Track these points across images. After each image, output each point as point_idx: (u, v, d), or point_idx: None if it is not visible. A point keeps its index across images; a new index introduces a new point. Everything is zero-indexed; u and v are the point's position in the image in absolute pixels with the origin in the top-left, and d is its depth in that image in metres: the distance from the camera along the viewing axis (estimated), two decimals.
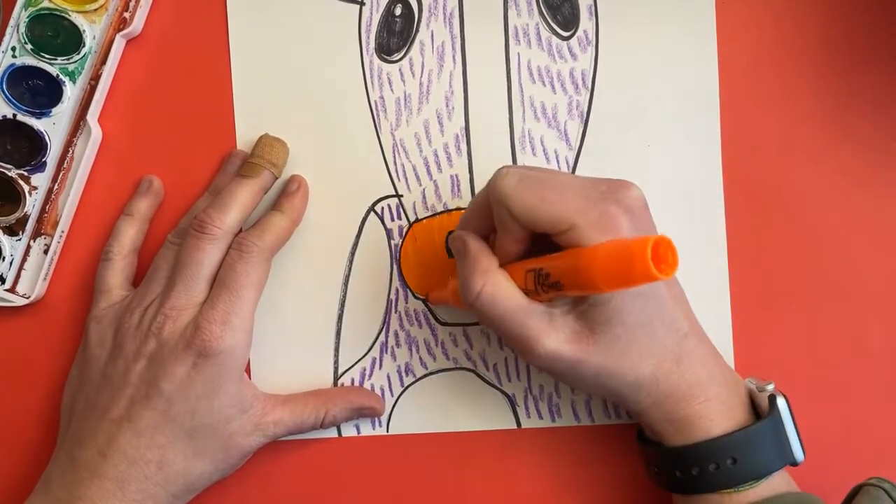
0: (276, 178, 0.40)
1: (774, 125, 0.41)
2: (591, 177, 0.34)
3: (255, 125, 0.41)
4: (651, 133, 0.41)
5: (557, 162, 0.41)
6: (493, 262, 0.35)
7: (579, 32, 0.41)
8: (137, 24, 0.41)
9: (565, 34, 0.41)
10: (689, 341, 0.35)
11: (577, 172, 0.41)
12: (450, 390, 0.42)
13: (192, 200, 0.42)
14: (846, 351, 0.41)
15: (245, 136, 0.41)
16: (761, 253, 0.41)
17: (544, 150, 0.41)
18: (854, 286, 0.41)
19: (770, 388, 0.35)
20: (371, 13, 0.41)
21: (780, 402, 0.35)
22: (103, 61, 0.40)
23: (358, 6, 0.41)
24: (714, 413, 0.34)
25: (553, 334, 0.33)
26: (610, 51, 0.41)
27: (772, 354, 0.41)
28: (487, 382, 0.42)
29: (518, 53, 0.41)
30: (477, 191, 0.41)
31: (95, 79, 0.40)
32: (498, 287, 0.34)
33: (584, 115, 0.41)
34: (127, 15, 0.40)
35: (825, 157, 0.41)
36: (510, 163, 0.41)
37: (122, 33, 0.40)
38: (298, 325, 0.42)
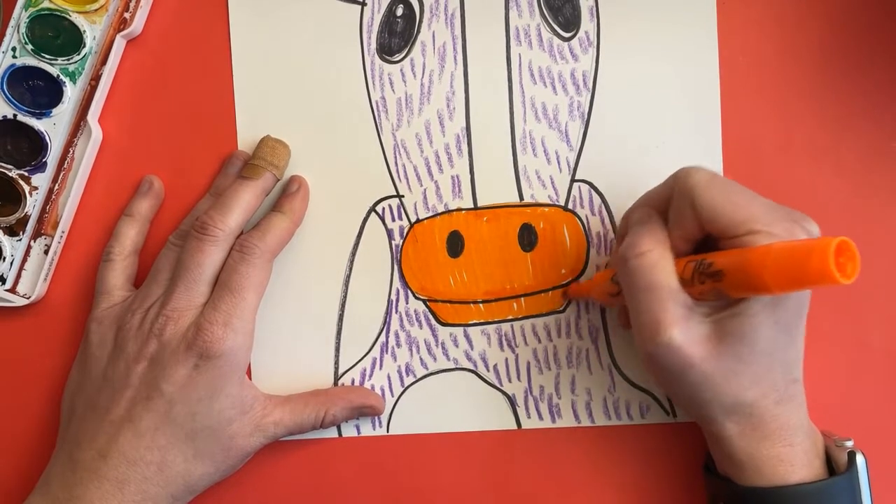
0: (278, 180, 0.40)
1: (775, 124, 0.41)
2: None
3: (256, 125, 0.41)
4: (652, 134, 0.41)
5: (558, 163, 0.41)
6: (667, 239, 0.34)
7: (580, 33, 0.41)
8: (138, 25, 0.41)
9: (566, 35, 0.41)
10: (795, 387, 0.34)
11: (577, 174, 0.41)
12: (450, 391, 0.42)
13: (193, 201, 0.42)
14: (846, 351, 0.41)
15: (246, 136, 0.41)
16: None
17: (545, 151, 0.41)
18: (854, 286, 0.41)
19: (849, 444, 0.35)
20: (372, 13, 0.41)
21: (860, 460, 0.34)
22: (104, 62, 0.40)
23: (359, 6, 0.41)
24: (795, 459, 0.34)
25: (684, 328, 0.32)
26: (611, 52, 0.41)
27: None
28: (488, 383, 0.42)
29: (519, 54, 0.41)
30: (478, 191, 0.41)
31: (96, 79, 0.40)
32: (662, 258, 0.33)
33: (586, 116, 0.41)
34: (127, 15, 0.40)
35: (825, 157, 0.41)
36: (511, 163, 0.41)
37: (122, 34, 0.40)
38: (299, 325, 0.42)
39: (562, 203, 0.41)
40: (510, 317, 0.41)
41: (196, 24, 0.42)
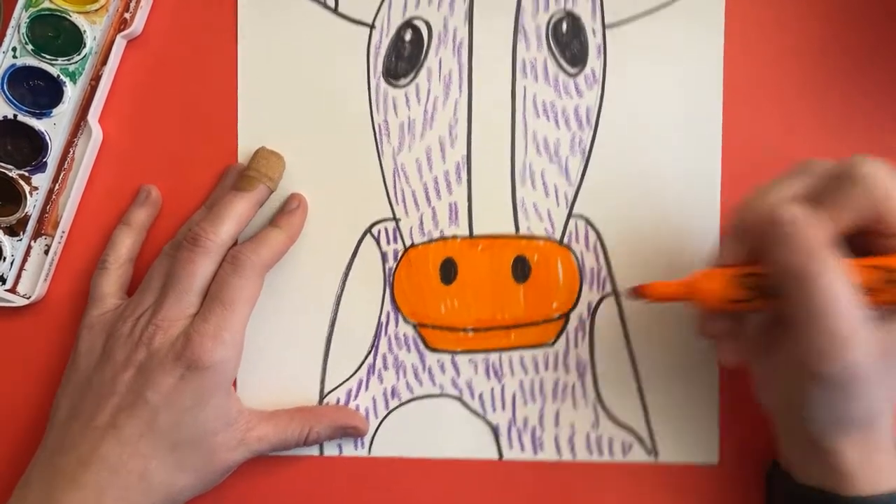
0: (272, 192, 0.40)
1: (775, 124, 0.41)
2: None
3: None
4: (652, 175, 0.41)
5: (556, 197, 0.41)
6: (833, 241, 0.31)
7: (587, 70, 0.41)
8: (138, 25, 0.41)
9: (573, 71, 0.41)
10: None
11: (574, 209, 0.41)
12: (434, 416, 0.42)
13: (193, 201, 0.42)
14: None
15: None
16: None
17: (544, 185, 0.41)
18: None
19: None
20: (381, 37, 0.41)
21: None
22: (104, 62, 0.40)
23: (368, 29, 0.41)
24: None
25: (867, 345, 0.30)
26: (616, 90, 0.41)
27: None
28: (472, 411, 0.42)
29: (524, 87, 0.41)
30: (474, 220, 0.41)
31: (96, 79, 0.40)
32: (840, 266, 0.30)
33: (587, 153, 0.41)
34: (127, 16, 0.40)
35: (825, 157, 0.40)
36: (509, 194, 0.41)
37: (122, 34, 0.40)
38: (288, 342, 0.42)
39: (557, 237, 0.41)
40: (499, 347, 0.42)
41: (196, 25, 0.42)
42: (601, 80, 0.41)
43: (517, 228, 0.41)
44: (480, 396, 0.42)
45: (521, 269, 0.41)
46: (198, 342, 0.37)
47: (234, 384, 0.41)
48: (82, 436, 0.37)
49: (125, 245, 0.41)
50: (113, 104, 0.42)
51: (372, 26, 0.41)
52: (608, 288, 0.41)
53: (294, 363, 0.42)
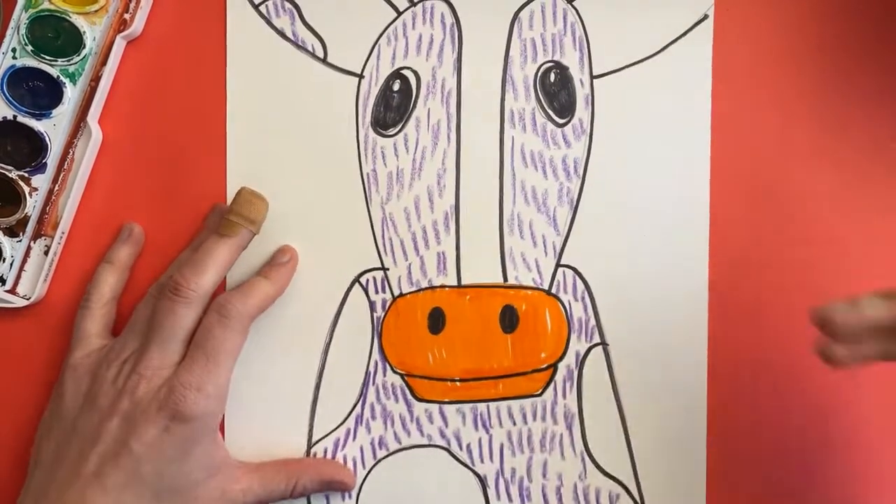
0: (255, 235, 0.40)
1: (774, 124, 0.41)
2: None
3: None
4: (639, 225, 0.41)
5: (545, 246, 0.41)
6: None
7: (574, 120, 0.41)
8: (138, 26, 0.41)
9: (561, 121, 0.41)
10: None
11: (562, 259, 0.41)
12: (422, 467, 0.42)
13: (194, 201, 0.42)
14: None
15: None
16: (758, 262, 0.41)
17: (532, 235, 0.41)
18: (854, 286, 0.41)
19: None
20: (369, 86, 0.42)
21: None
22: (103, 63, 0.40)
23: (357, 78, 0.42)
24: None
25: None
26: (604, 140, 0.41)
27: (769, 353, 0.41)
28: (460, 462, 0.42)
29: (513, 137, 0.41)
30: (463, 270, 0.41)
31: (96, 80, 0.40)
32: None
33: (574, 203, 0.41)
34: (127, 16, 0.40)
35: (825, 157, 0.41)
36: (497, 244, 0.41)
37: (122, 35, 0.40)
38: (275, 392, 0.42)
39: (546, 287, 0.41)
40: (487, 397, 0.41)
41: (196, 25, 0.42)
42: (589, 130, 0.41)
43: (505, 278, 0.41)
44: (468, 447, 0.42)
45: (509, 318, 0.41)
46: (181, 394, 0.36)
47: (223, 431, 0.41)
48: (69, 484, 0.36)
49: (108, 284, 0.41)
50: (113, 105, 0.42)
51: (361, 76, 0.42)
52: (596, 338, 0.41)
53: (282, 412, 0.42)
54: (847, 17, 0.41)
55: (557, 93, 0.41)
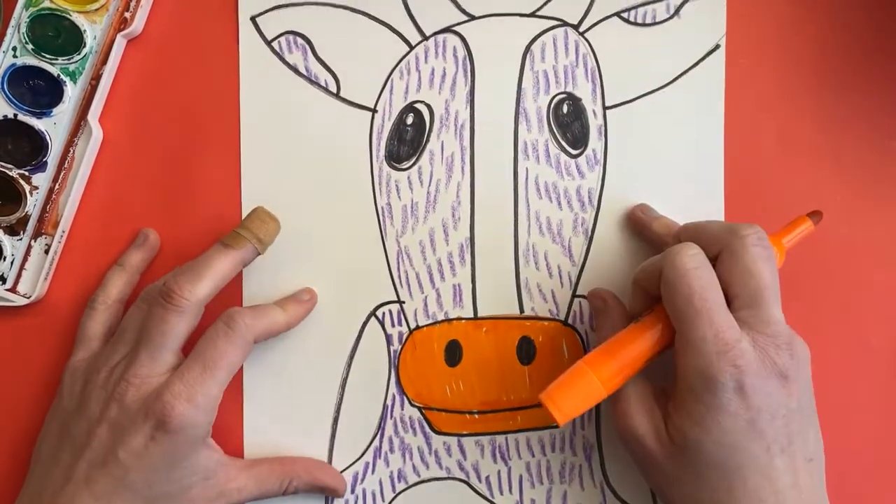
0: (259, 255, 0.39)
1: (775, 124, 0.41)
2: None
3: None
4: (654, 254, 0.41)
5: (560, 277, 0.41)
6: None
7: (588, 151, 0.41)
8: (138, 24, 0.41)
9: (574, 152, 0.42)
10: None
11: (578, 289, 0.41)
12: (441, 500, 0.41)
13: (193, 202, 0.42)
14: (846, 351, 0.41)
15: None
16: None
17: (547, 265, 0.41)
18: (853, 286, 0.41)
19: None
20: (383, 120, 0.42)
21: None
22: (104, 61, 0.40)
23: (370, 113, 0.42)
24: None
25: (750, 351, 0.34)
26: (617, 170, 0.41)
27: None
28: (479, 494, 0.41)
29: (526, 168, 0.41)
30: (479, 302, 0.41)
31: (96, 79, 0.40)
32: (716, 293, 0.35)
33: (589, 233, 0.41)
34: (128, 15, 0.41)
35: (825, 157, 0.41)
36: (513, 275, 0.41)
37: (122, 33, 0.41)
38: (293, 426, 0.42)
39: (562, 318, 0.41)
40: (505, 429, 0.41)
41: (196, 24, 0.42)
42: (602, 160, 0.41)
43: (521, 309, 0.41)
44: (487, 479, 0.41)
45: (527, 350, 0.41)
46: (169, 404, 0.36)
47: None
48: (60, 488, 0.36)
49: (116, 286, 0.41)
50: (113, 104, 0.42)
51: (374, 110, 0.42)
52: None
53: (300, 446, 0.42)
54: (863, 46, 0.41)
55: (570, 124, 0.42)
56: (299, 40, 0.42)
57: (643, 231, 0.41)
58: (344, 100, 0.42)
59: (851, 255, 0.41)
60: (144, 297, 0.39)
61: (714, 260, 0.35)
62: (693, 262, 0.34)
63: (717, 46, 0.41)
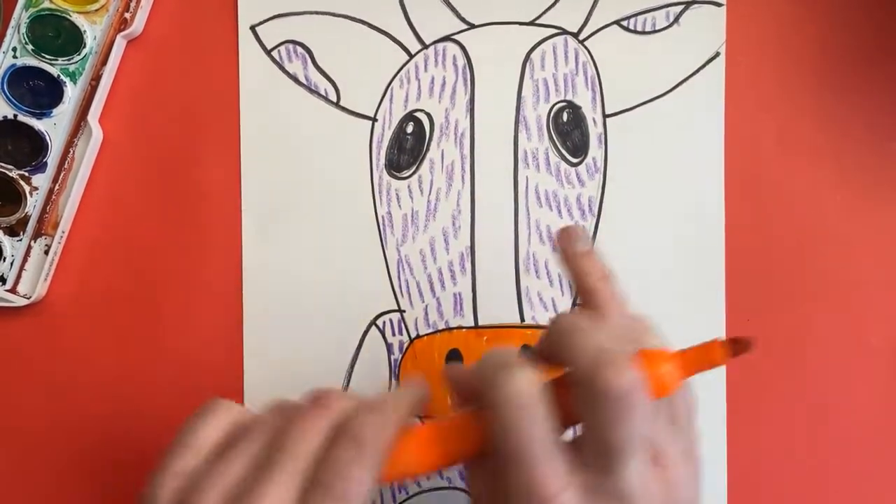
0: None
1: (775, 125, 0.41)
2: None
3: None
4: (655, 262, 0.41)
5: (561, 286, 0.41)
6: None
7: (588, 159, 0.41)
8: (138, 25, 0.41)
9: (574, 160, 0.41)
10: None
11: (578, 298, 0.41)
12: None
13: (194, 202, 0.42)
14: (846, 351, 0.41)
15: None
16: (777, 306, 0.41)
17: (548, 274, 0.41)
18: (854, 286, 0.41)
19: None
20: (383, 129, 0.42)
21: None
22: (104, 62, 0.41)
23: (370, 122, 0.42)
24: None
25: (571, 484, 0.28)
26: (618, 178, 0.41)
27: (770, 354, 0.41)
28: None
29: (527, 177, 0.41)
30: (479, 310, 0.41)
31: (96, 79, 0.41)
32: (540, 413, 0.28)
33: (590, 241, 0.41)
34: (128, 15, 0.41)
35: (825, 157, 0.41)
36: (513, 284, 0.41)
37: (122, 34, 0.41)
38: None
39: None
40: None
41: (196, 24, 0.42)
42: (603, 169, 0.41)
43: (522, 318, 0.41)
44: None
45: None
46: None
47: None
48: None
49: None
50: (113, 104, 0.42)
51: (374, 119, 0.42)
52: None
53: None
54: (861, 51, 0.41)
55: (570, 132, 0.41)
56: (299, 49, 0.42)
57: (561, 265, 0.34)
58: (344, 109, 0.42)
59: (851, 255, 0.41)
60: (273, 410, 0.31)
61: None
62: (523, 397, 0.27)
63: (717, 54, 0.41)
